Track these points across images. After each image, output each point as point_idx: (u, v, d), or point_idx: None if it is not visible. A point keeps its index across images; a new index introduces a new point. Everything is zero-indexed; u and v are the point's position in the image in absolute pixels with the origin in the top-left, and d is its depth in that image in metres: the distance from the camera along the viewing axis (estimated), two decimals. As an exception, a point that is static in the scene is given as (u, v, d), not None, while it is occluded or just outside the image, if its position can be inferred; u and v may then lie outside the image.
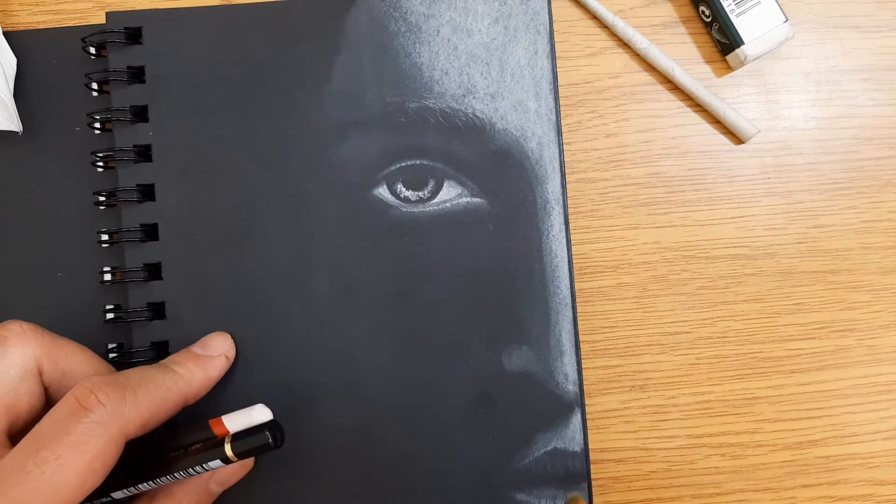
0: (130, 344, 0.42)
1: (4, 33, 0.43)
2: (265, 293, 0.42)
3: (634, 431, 0.46)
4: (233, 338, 0.42)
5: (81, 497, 0.31)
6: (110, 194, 0.42)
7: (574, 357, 0.42)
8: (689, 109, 0.47)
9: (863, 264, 0.47)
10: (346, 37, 0.42)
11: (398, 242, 0.42)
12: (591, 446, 0.44)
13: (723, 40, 0.45)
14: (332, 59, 0.42)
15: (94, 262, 0.43)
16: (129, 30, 0.42)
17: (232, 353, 0.41)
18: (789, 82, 0.47)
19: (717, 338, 0.46)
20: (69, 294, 0.43)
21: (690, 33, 0.47)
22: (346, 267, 0.42)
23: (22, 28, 0.45)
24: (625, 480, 0.45)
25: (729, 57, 0.46)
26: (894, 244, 0.47)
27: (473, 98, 0.42)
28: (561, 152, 0.43)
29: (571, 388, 0.42)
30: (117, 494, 0.36)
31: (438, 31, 0.42)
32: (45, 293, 0.43)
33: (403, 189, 0.42)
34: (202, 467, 0.36)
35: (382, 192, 0.42)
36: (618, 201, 0.46)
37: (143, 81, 0.42)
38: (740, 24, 0.44)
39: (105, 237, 0.43)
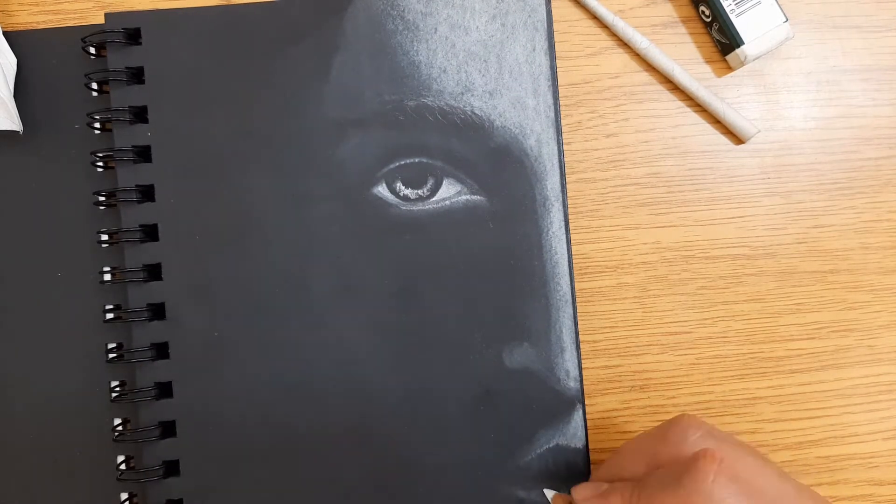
0: (130, 344, 0.42)
1: (4, 33, 0.43)
2: (265, 293, 0.42)
3: (634, 431, 0.46)
4: (233, 337, 0.42)
5: None
6: (110, 194, 0.42)
7: (575, 354, 0.42)
8: (689, 109, 0.47)
9: (863, 264, 0.47)
10: (345, 35, 0.42)
11: (398, 241, 0.42)
12: (591, 446, 0.44)
13: (723, 40, 0.45)
14: (331, 58, 0.42)
15: (94, 262, 0.43)
16: (127, 30, 0.42)
17: None
18: (789, 82, 0.47)
19: (718, 338, 0.46)
20: (69, 294, 0.43)
21: (690, 33, 0.47)
22: (345, 266, 0.42)
23: (22, 28, 0.45)
24: (625, 480, 0.45)
25: (729, 57, 0.46)
26: (894, 244, 0.47)
27: (472, 95, 0.42)
28: (560, 149, 0.43)
29: (573, 384, 0.42)
30: None
31: (436, 29, 0.43)
32: (45, 293, 0.43)
33: (403, 187, 0.42)
34: None
35: (382, 190, 0.42)
36: (618, 201, 0.46)
37: (142, 82, 0.42)
38: (740, 24, 0.44)
39: (105, 237, 0.43)
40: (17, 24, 0.45)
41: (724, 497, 0.31)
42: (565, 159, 0.45)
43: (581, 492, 0.37)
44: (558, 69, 0.45)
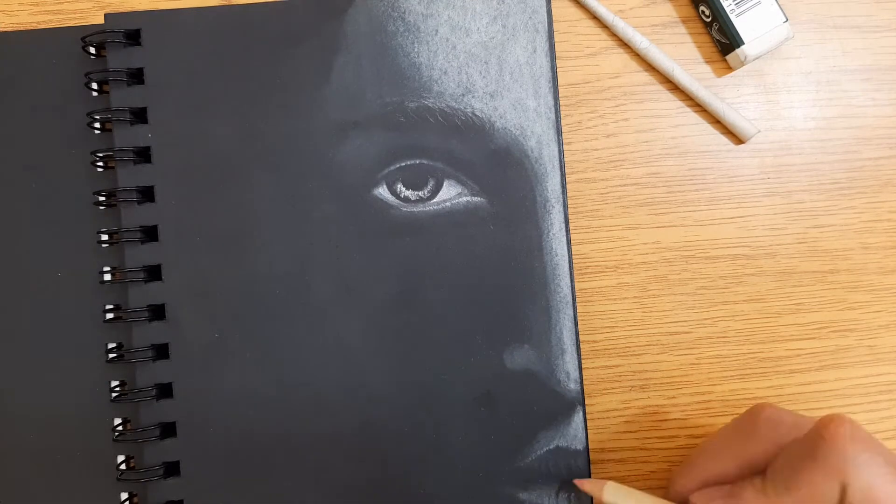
0: (130, 344, 0.42)
1: (5, 33, 0.43)
2: (266, 294, 0.42)
3: (634, 431, 0.46)
4: (233, 338, 0.42)
5: None
6: (110, 194, 0.42)
7: (575, 355, 0.42)
8: (689, 109, 0.47)
9: (863, 264, 0.47)
10: (345, 37, 0.42)
11: (398, 242, 0.42)
12: (591, 446, 0.44)
13: (723, 40, 0.45)
14: (331, 60, 0.42)
15: (94, 262, 0.43)
16: (127, 31, 0.42)
17: None
18: (789, 82, 0.47)
19: (717, 338, 0.46)
20: (69, 294, 0.43)
21: (690, 33, 0.47)
22: (346, 267, 0.42)
23: (22, 28, 0.45)
24: (625, 480, 0.45)
25: (729, 57, 0.46)
26: (894, 244, 0.47)
27: (472, 97, 0.42)
28: (560, 150, 0.43)
29: (573, 386, 0.42)
30: None
31: (437, 31, 0.42)
32: (45, 293, 0.43)
33: (403, 189, 0.42)
34: None
35: (382, 191, 0.42)
36: (618, 201, 0.46)
37: (142, 82, 0.42)
38: (740, 24, 0.44)
39: (105, 237, 0.43)
40: (17, 24, 0.45)
41: (864, 457, 0.31)
42: (565, 159, 0.45)
43: (702, 498, 0.36)
44: (558, 69, 0.45)
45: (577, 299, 0.45)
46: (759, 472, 0.35)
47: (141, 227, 0.42)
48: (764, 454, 0.35)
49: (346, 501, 0.42)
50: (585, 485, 0.41)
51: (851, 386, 0.46)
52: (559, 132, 0.43)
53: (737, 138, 0.46)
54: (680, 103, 0.47)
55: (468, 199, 0.42)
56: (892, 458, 0.32)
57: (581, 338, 0.45)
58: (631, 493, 0.39)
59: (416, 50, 0.42)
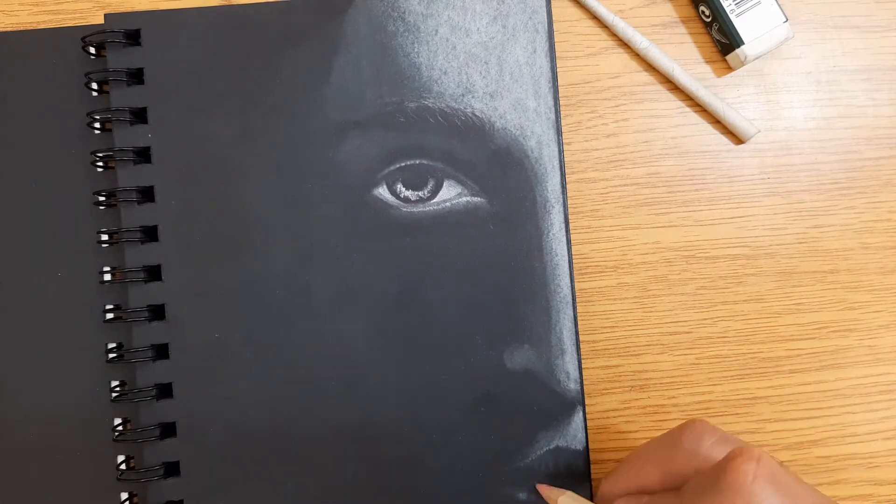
0: (130, 344, 0.42)
1: (5, 33, 0.43)
2: (266, 294, 0.42)
3: (634, 431, 0.46)
4: (233, 338, 0.42)
5: None
6: (110, 194, 0.42)
7: (575, 355, 0.42)
8: (689, 109, 0.47)
9: (863, 264, 0.47)
10: (345, 37, 0.42)
11: (398, 242, 0.42)
12: (591, 446, 0.44)
13: (723, 40, 0.45)
14: (331, 60, 0.42)
15: (94, 262, 0.43)
16: (127, 31, 0.42)
17: None
18: (789, 82, 0.47)
19: (717, 338, 0.46)
20: (69, 294, 0.43)
21: (690, 33, 0.47)
22: (346, 267, 0.42)
23: (22, 28, 0.45)
24: (625, 480, 0.45)
25: (729, 57, 0.46)
26: (894, 244, 0.47)
27: (472, 97, 0.42)
28: (560, 150, 0.43)
29: (573, 386, 0.42)
30: None
31: (437, 31, 0.42)
32: (45, 293, 0.43)
33: (403, 189, 0.42)
34: None
35: (382, 192, 0.42)
36: (618, 201, 0.46)
37: (142, 82, 0.42)
38: (740, 24, 0.44)
39: (105, 237, 0.43)
40: (17, 24, 0.45)
41: (766, 497, 0.30)
42: (565, 159, 0.45)
43: None
44: (558, 69, 0.45)
45: (577, 299, 0.45)
46: (679, 485, 0.35)
47: (141, 227, 0.42)
48: (686, 467, 0.34)
49: (346, 501, 0.42)
50: (544, 490, 0.41)
51: (851, 386, 0.46)
52: (559, 132, 0.43)
53: (737, 138, 0.46)
54: (680, 103, 0.47)
55: (468, 199, 0.42)
56: (804, 497, 0.32)
57: (581, 338, 0.45)
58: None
59: (416, 50, 0.42)
